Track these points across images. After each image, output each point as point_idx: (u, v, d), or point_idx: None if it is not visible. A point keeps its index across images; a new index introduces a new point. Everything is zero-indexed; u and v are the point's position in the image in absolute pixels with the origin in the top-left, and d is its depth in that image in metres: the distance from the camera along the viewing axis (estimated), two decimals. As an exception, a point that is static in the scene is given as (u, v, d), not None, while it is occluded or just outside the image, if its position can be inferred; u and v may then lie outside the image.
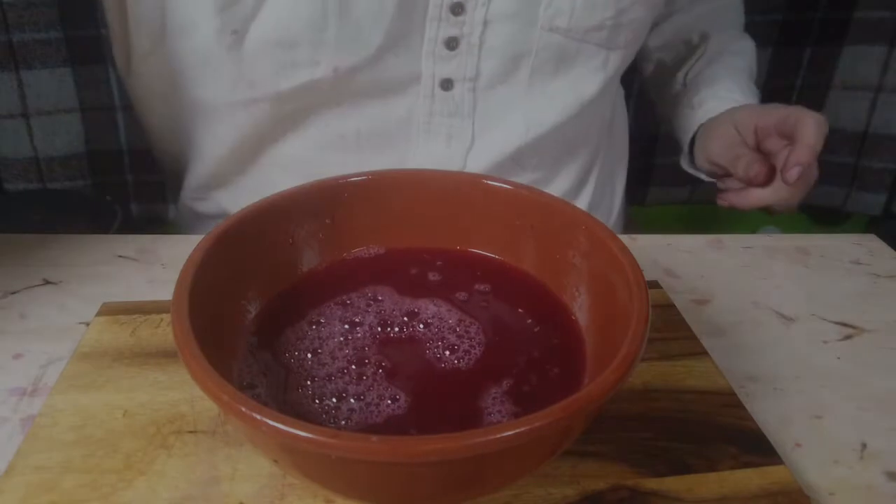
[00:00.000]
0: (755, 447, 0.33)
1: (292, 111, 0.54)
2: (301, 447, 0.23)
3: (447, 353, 0.32)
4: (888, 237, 0.55)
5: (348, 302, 0.35)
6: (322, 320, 0.34)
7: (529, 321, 0.35)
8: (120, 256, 0.48)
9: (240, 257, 0.33)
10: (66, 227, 0.73)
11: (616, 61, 0.58)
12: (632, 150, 0.76)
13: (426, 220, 0.39)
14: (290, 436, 0.22)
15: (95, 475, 0.30)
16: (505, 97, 0.56)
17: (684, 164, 0.68)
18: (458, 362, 0.32)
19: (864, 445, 0.35)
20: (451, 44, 0.52)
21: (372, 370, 0.31)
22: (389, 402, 0.29)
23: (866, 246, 0.54)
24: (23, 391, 0.36)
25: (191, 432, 0.32)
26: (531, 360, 0.32)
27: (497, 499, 0.30)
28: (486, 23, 0.52)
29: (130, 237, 0.50)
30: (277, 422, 0.22)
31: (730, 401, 0.36)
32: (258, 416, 0.22)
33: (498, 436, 0.22)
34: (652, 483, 0.31)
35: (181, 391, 0.35)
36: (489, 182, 0.38)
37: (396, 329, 0.34)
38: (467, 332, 0.33)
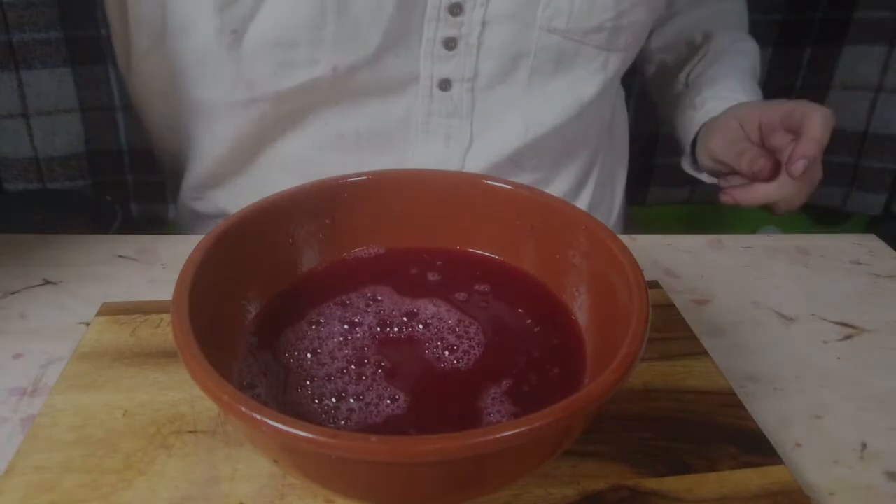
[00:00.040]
0: (755, 447, 0.33)
1: (291, 111, 0.54)
2: (301, 447, 0.23)
3: (446, 353, 0.32)
4: (888, 237, 0.55)
5: (348, 302, 0.35)
6: (322, 320, 0.34)
7: (529, 321, 0.35)
8: (120, 256, 0.48)
9: (240, 257, 0.33)
10: (66, 227, 0.73)
11: (616, 63, 0.58)
12: (632, 150, 0.76)
13: (426, 220, 0.39)
14: (290, 436, 0.22)
15: (95, 475, 0.30)
16: (503, 98, 0.56)
17: (686, 166, 0.67)
18: (458, 362, 0.32)
19: (864, 445, 0.35)
20: (450, 44, 0.52)
21: (371, 370, 0.31)
22: (389, 402, 0.29)
23: (866, 246, 0.54)
24: (23, 391, 0.36)
25: (191, 432, 0.32)
26: (531, 361, 0.32)
27: (497, 499, 0.30)
28: (484, 23, 0.52)
29: (130, 237, 0.50)
30: (277, 422, 0.22)
31: (730, 401, 0.36)
32: (258, 416, 0.22)
33: (498, 436, 0.22)
34: (652, 483, 0.31)
35: (181, 391, 0.35)
36: (489, 182, 0.38)
37: (396, 329, 0.34)
38: (467, 332, 0.33)
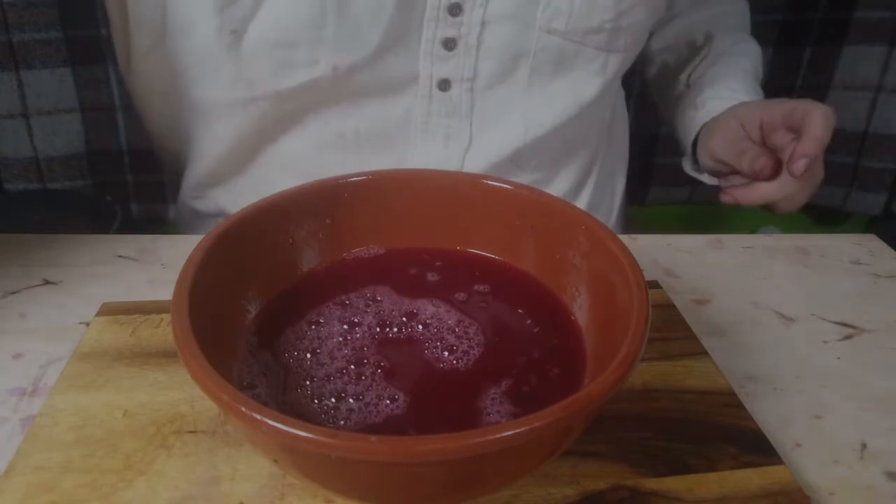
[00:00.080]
0: (755, 447, 0.33)
1: (291, 110, 0.54)
2: (301, 447, 0.23)
3: (446, 353, 0.32)
4: (888, 237, 0.55)
5: (347, 302, 0.35)
6: (321, 320, 0.34)
7: (529, 321, 0.35)
8: (120, 256, 0.48)
9: (240, 257, 0.33)
10: (66, 227, 0.73)
11: (616, 64, 0.58)
12: (632, 150, 0.76)
13: (426, 220, 0.39)
14: (290, 436, 0.22)
15: (95, 475, 0.30)
16: (503, 98, 0.56)
17: (687, 167, 0.67)
18: (457, 363, 0.32)
19: (864, 445, 0.35)
20: (449, 44, 0.52)
21: (371, 370, 0.31)
22: (388, 402, 0.29)
23: (866, 246, 0.54)
24: (23, 391, 0.36)
25: (191, 432, 0.32)
26: (531, 361, 0.32)
27: (497, 499, 0.30)
28: (483, 24, 0.52)
29: (130, 237, 0.50)
30: (277, 422, 0.22)
31: (730, 401, 0.36)
32: (258, 416, 0.22)
33: (498, 436, 0.22)
34: (652, 483, 0.31)
35: (181, 391, 0.35)
36: (489, 182, 0.38)
37: (395, 329, 0.34)
38: (466, 332, 0.33)
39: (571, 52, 0.55)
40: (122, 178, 0.87)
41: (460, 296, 0.36)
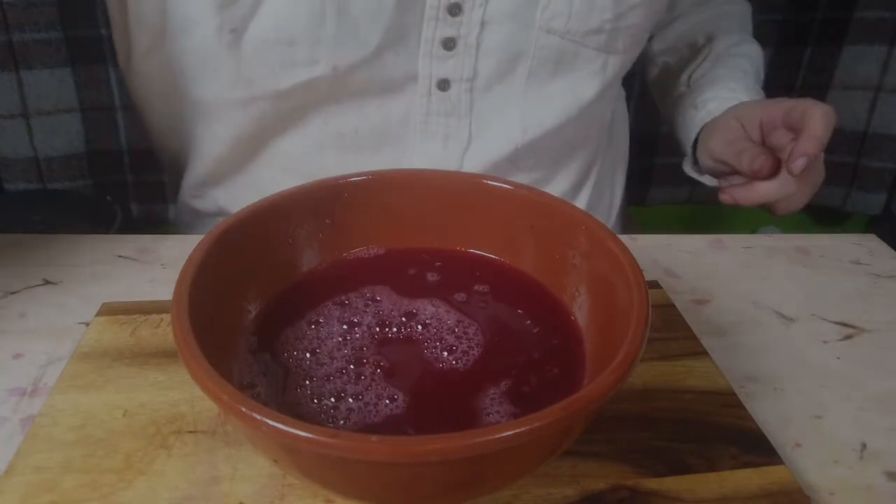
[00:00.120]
0: (755, 447, 0.33)
1: (291, 109, 0.54)
2: (301, 447, 0.23)
3: (445, 353, 0.32)
4: (888, 237, 0.55)
5: (346, 302, 0.35)
6: (321, 320, 0.34)
7: (528, 322, 0.35)
8: (120, 256, 0.48)
9: (240, 257, 0.33)
10: (66, 227, 0.73)
11: (615, 66, 0.58)
12: (632, 150, 0.76)
13: (426, 220, 0.39)
14: (290, 436, 0.22)
15: (95, 475, 0.30)
16: (502, 98, 0.56)
17: (687, 168, 0.66)
18: (457, 363, 0.32)
19: (864, 445, 0.35)
20: (449, 44, 0.52)
21: (370, 370, 0.31)
22: (388, 401, 0.29)
23: (866, 246, 0.54)
24: (23, 391, 0.36)
25: (191, 432, 0.32)
26: (530, 361, 0.32)
27: (497, 499, 0.30)
28: (483, 24, 0.52)
29: (130, 237, 0.50)
30: (277, 422, 0.22)
31: (730, 401, 0.36)
32: (258, 416, 0.22)
33: (498, 436, 0.22)
34: (652, 483, 0.31)
35: (181, 391, 0.35)
36: (489, 182, 0.37)
37: (395, 329, 0.34)
38: (466, 332, 0.33)
39: (571, 53, 0.55)
40: (122, 178, 0.87)
41: (460, 296, 0.36)
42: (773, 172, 0.53)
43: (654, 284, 0.46)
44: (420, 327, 0.34)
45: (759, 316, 0.45)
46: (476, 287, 0.37)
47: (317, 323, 0.34)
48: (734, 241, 0.54)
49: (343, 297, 0.35)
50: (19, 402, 0.35)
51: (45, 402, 0.34)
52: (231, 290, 0.32)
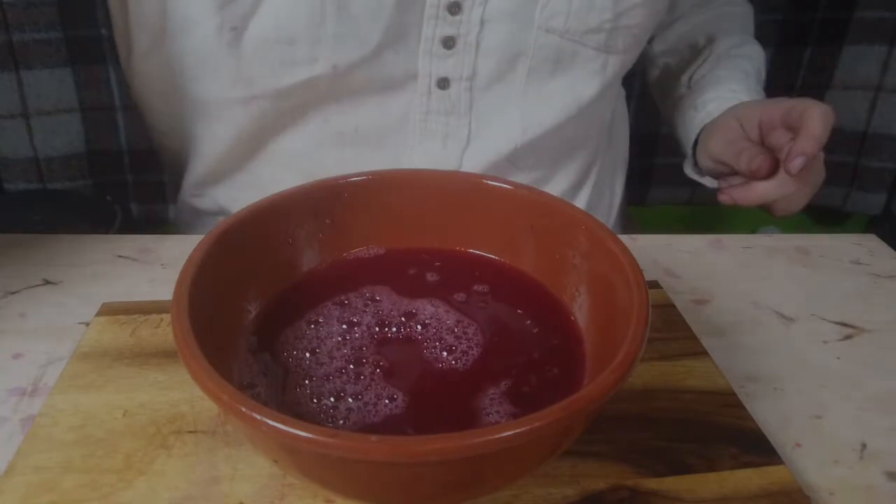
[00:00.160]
0: (755, 447, 0.33)
1: (291, 108, 0.54)
2: (301, 447, 0.23)
3: (444, 353, 0.32)
4: (888, 237, 0.55)
5: (346, 302, 0.35)
6: (320, 320, 0.34)
7: (528, 322, 0.35)
8: (120, 256, 0.48)
9: (240, 257, 0.33)
10: (66, 227, 0.73)
11: (615, 65, 0.58)
12: (632, 150, 0.76)
13: (426, 220, 0.39)
14: (290, 436, 0.22)
15: (95, 475, 0.30)
16: (501, 97, 0.56)
17: (687, 170, 0.66)
18: (456, 363, 0.32)
19: (864, 445, 0.35)
20: (448, 43, 0.52)
21: (370, 370, 0.31)
22: (387, 401, 0.29)
23: (866, 246, 0.54)
24: (23, 391, 0.36)
25: (191, 432, 0.32)
26: (530, 361, 0.32)
27: (497, 499, 0.30)
28: (482, 22, 0.52)
29: (130, 237, 0.50)
30: (277, 422, 0.22)
31: (730, 401, 0.36)
32: (258, 416, 0.22)
33: (498, 436, 0.22)
34: (652, 483, 0.31)
35: (181, 391, 0.35)
36: (489, 182, 0.37)
37: (394, 329, 0.34)
38: (465, 332, 0.33)
39: (570, 52, 0.55)
40: (122, 178, 0.87)
41: (459, 296, 0.36)
42: (772, 172, 0.53)
43: (654, 284, 0.46)
44: (420, 327, 0.34)
45: (758, 316, 0.45)
46: (476, 287, 0.37)
47: (316, 323, 0.34)
48: (734, 242, 0.54)
49: (343, 297, 0.35)
50: (19, 402, 0.35)
51: (45, 402, 0.34)
52: (231, 290, 0.32)
